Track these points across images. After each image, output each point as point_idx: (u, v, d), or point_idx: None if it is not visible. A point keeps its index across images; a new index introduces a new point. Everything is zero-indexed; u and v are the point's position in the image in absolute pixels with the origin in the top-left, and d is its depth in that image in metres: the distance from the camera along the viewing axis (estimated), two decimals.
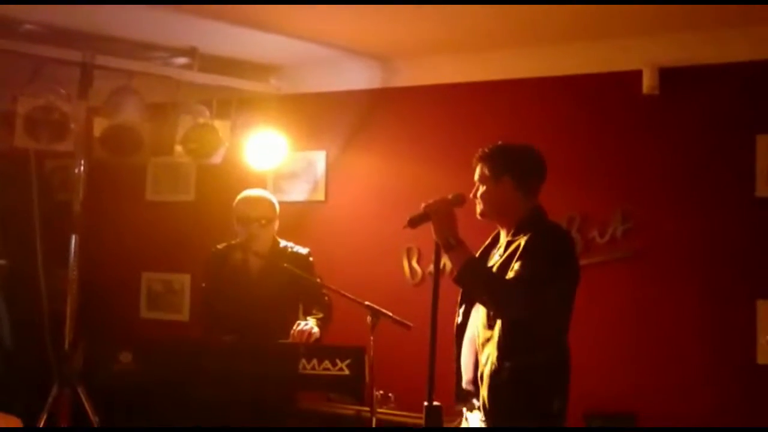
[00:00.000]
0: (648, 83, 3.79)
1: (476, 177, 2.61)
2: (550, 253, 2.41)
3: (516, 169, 2.56)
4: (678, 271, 3.78)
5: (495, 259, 2.53)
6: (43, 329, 4.02)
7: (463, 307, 2.61)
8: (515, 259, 2.40)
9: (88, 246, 4.06)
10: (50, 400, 3.57)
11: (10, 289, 4.65)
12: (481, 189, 2.57)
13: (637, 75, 3.82)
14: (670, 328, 3.78)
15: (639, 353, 3.82)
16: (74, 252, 3.91)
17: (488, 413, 2.41)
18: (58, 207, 4.50)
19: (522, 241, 2.43)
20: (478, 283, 2.45)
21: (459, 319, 2.60)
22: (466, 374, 2.55)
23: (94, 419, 3.57)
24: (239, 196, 3.50)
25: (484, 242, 2.68)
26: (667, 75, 3.79)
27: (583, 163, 3.98)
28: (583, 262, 3.83)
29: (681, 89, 3.81)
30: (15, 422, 3.32)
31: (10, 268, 4.65)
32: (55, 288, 4.09)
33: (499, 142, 2.63)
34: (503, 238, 2.58)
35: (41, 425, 3.52)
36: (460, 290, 2.60)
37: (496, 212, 2.58)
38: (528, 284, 2.34)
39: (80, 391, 3.61)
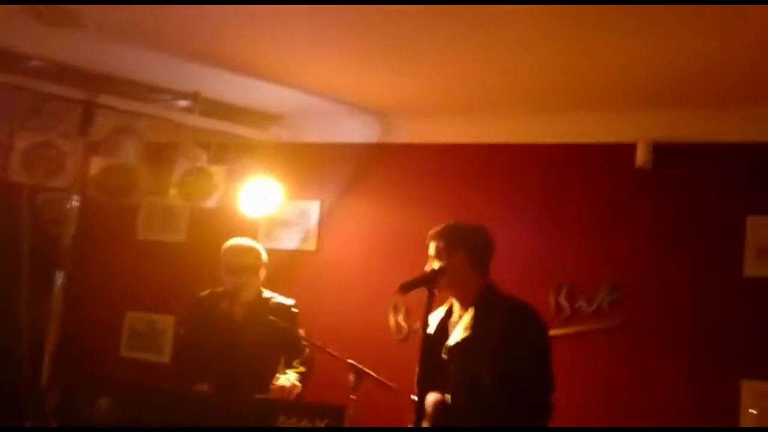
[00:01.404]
0: (642, 157, 3.84)
1: (431, 252, 2.74)
2: (545, 351, 2.64)
3: (469, 245, 2.74)
4: (664, 345, 3.78)
5: (458, 333, 2.67)
6: (21, 363, 3.97)
7: (420, 386, 2.61)
8: (508, 350, 2.55)
9: (74, 281, 4.04)
10: None
11: None
12: (436, 264, 2.69)
13: (631, 148, 3.88)
14: (653, 401, 3.75)
15: (621, 423, 3.78)
16: (59, 287, 3.89)
17: None
18: (48, 240, 4.49)
19: (499, 324, 2.59)
20: None
21: (416, 398, 2.61)
22: None
23: None
24: (227, 244, 3.49)
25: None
26: (661, 150, 3.85)
27: (573, 230, 4.01)
28: (569, 330, 3.87)
29: (674, 165, 3.86)
30: None
31: None
32: (36, 321, 4.06)
33: (451, 222, 2.79)
34: (458, 311, 2.74)
35: None
36: (418, 366, 2.62)
37: (452, 285, 2.72)
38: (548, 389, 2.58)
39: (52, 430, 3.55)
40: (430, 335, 2.65)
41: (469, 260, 2.70)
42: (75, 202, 3.95)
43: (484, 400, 2.56)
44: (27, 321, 4.14)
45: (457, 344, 2.67)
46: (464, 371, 2.63)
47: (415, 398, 2.54)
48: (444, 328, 2.76)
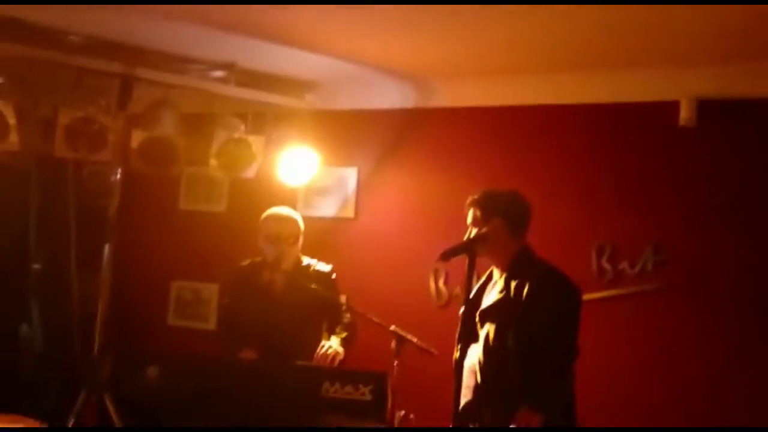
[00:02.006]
0: (685, 115, 3.74)
1: (469, 220, 2.83)
2: (572, 317, 2.69)
3: (506, 211, 2.82)
4: (709, 305, 3.72)
5: (493, 296, 2.78)
6: (73, 334, 4.10)
7: (461, 344, 2.67)
8: (532, 314, 2.63)
9: (120, 252, 4.12)
10: (78, 406, 3.63)
11: (43, 293, 4.74)
12: (474, 231, 2.78)
13: (674, 106, 3.78)
14: (698, 363, 3.71)
15: (666, 386, 3.76)
16: (107, 258, 3.98)
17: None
18: (93, 212, 4.59)
19: (528, 288, 2.67)
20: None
21: (457, 355, 2.67)
22: (465, 399, 2.70)
23: (119, 427, 3.61)
24: (266, 214, 3.52)
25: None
26: (705, 107, 3.75)
27: (615, 192, 3.94)
28: (612, 293, 3.83)
29: (718, 122, 3.76)
30: (41, 428, 3.38)
31: (43, 272, 4.74)
32: (86, 293, 4.17)
33: (487, 189, 2.87)
34: (497, 275, 2.84)
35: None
36: (459, 327, 2.69)
37: (488, 252, 2.79)
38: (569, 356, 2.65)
39: (107, 398, 3.66)
40: (469, 299, 2.70)
41: (505, 225, 2.77)
42: (118, 175, 4.00)
43: (508, 362, 2.64)
44: (78, 292, 4.25)
45: (488, 307, 2.77)
46: (492, 334, 2.72)
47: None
48: (481, 292, 2.87)
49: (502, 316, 2.71)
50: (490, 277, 2.91)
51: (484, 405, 2.71)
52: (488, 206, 2.80)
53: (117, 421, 3.56)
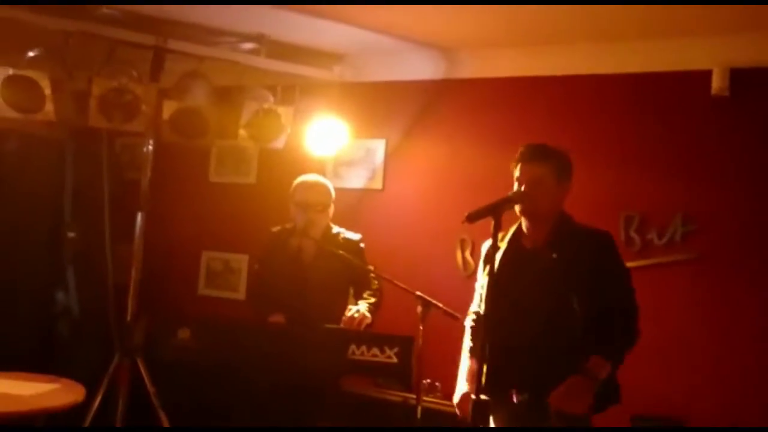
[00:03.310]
0: (717, 84, 3.69)
1: (518, 174, 2.66)
2: (629, 274, 2.67)
3: (571, 175, 2.72)
4: (738, 277, 3.69)
5: (537, 261, 2.63)
6: (107, 300, 4.20)
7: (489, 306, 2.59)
8: (600, 276, 2.56)
9: (152, 223, 4.20)
10: (111, 369, 3.73)
11: (78, 261, 4.87)
12: (540, 188, 2.62)
13: (706, 75, 3.73)
14: (726, 334, 3.69)
15: (693, 358, 3.75)
16: (140, 228, 4.06)
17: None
18: (126, 184, 4.69)
19: (586, 251, 2.59)
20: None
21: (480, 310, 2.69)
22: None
23: (152, 389, 3.72)
24: (297, 181, 3.57)
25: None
26: (738, 76, 3.69)
27: (644, 162, 3.91)
28: (639, 263, 3.81)
29: (752, 91, 3.70)
30: (80, 390, 3.49)
31: (78, 241, 4.86)
32: (120, 262, 4.26)
33: (543, 143, 2.72)
34: (531, 236, 2.70)
35: (102, 393, 3.68)
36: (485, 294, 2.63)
37: (544, 212, 2.67)
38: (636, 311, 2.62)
39: (140, 362, 3.77)
40: (502, 264, 2.59)
41: (558, 186, 2.66)
42: (150, 146, 4.07)
43: (574, 327, 2.53)
44: (112, 261, 4.35)
45: (540, 272, 2.61)
46: (548, 299, 2.59)
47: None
48: (518, 258, 2.69)
49: (556, 281, 2.58)
50: (517, 240, 2.74)
51: (539, 370, 2.56)
52: (563, 166, 2.67)
53: (149, 384, 3.66)
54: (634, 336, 2.58)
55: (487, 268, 2.71)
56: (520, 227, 2.76)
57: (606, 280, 2.56)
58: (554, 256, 2.60)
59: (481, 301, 2.80)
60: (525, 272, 2.66)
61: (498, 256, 2.64)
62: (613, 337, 2.53)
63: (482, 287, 2.76)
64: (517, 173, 2.68)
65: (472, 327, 2.87)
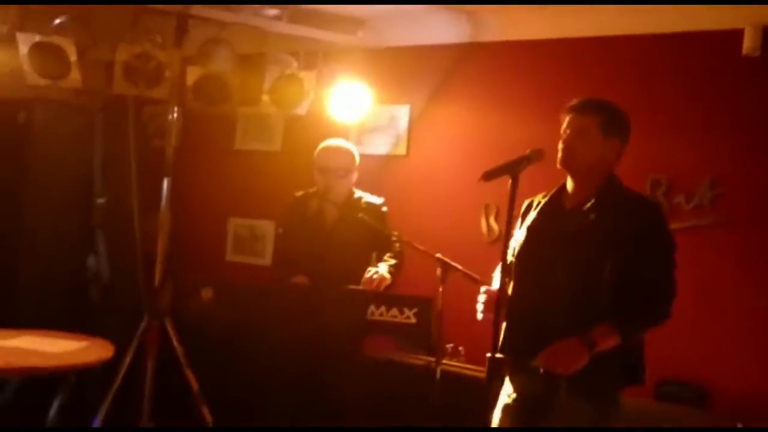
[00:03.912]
0: (749, 43, 3.58)
1: (574, 126, 2.48)
2: (673, 252, 2.44)
3: (624, 132, 2.53)
4: (767, 243, 3.61)
5: (575, 223, 2.45)
6: (136, 265, 4.28)
7: (518, 277, 2.54)
8: (638, 247, 2.35)
9: (179, 190, 4.25)
10: (140, 331, 3.82)
11: (107, 226, 4.96)
12: (584, 141, 2.46)
13: (737, 34, 3.62)
14: (754, 299, 3.63)
15: (719, 324, 3.70)
16: (166, 195, 4.11)
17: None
18: (154, 152, 4.73)
19: (631, 218, 2.39)
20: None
21: (508, 289, 2.50)
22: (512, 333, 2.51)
23: (180, 350, 3.80)
24: (321, 145, 3.58)
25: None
26: None
27: (672, 125, 3.83)
28: None
29: None
30: (109, 348, 3.58)
31: (108, 207, 4.96)
32: (147, 228, 4.33)
33: (600, 98, 2.55)
34: (573, 195, 2.51)
35: (131, 354, 3.78)
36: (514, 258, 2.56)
37: (590, 169, 2.48)
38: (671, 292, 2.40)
39: (167, 324, 3.84)
40: (536, 222, 2.51)
41: (604, 141, 2.47)
42: (175, 114, 4.10)
43: (598, 295, 2.35)
44: (139, 227, 4.42)
45: (576, 233, 2.43)
46: (580, 263, 2.40)
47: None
48: (555, 215, 2.52)
49: (591, 245, 2.38)
50: (557, 200, 2.56)
51: (559, 337, 2.34)
52: (613, 121, 2.50)
53: (176, 344, 3.74)
54: (658, 313, 2.37)
55: (523, 224, 2.61)
56: (564, 185, 2.57)
57: (644, 251, 2.35)
58: (592, 217, 2.41)
59: (513, 256, 2.61)
60: (558, 232, 2.48)
61: (532, 213, 2.58)
62: (630, 305, 2.33)
63: (516, 242, 2.60)
64: (564, 125, 2.53)
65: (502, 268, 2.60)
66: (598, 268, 2.36)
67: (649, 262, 2.36)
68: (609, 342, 2.31)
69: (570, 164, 2.50)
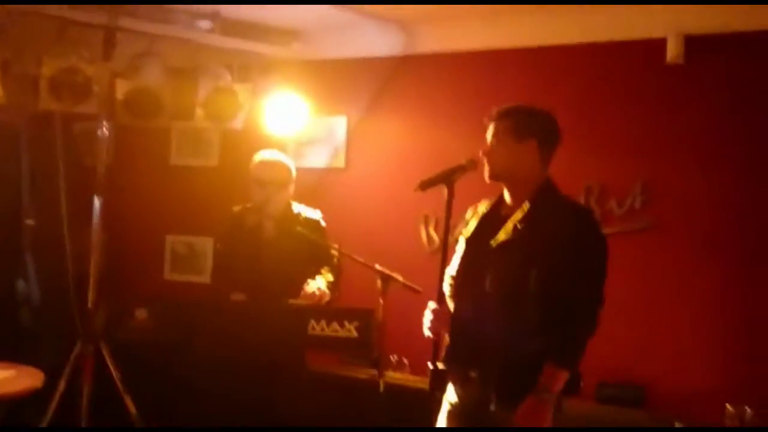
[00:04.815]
0: (672, 52, 3.70)
1: (491, 135, 2.48)
2: (602, 261, 2.39)
3: (542, 133, 2.48)
4: (697, 244, 3.73)
5: (506, 231, 2.43)
6: (68, 287, 4.14)
7: (456, 292, 2.55)
8: (565, 254, 2.32)
9: (113, 208, 4.14)
10: (74, 356, 3.68)
11: (37, 248, 4.78)
12: (499, 148, 2.46)
13: (660, 43, 3.74)
14: (686, 301, 3.74)
15: (654, 325, 3.79)
16: (98, 214, 3.99)
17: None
18: (85, 169, 4.60)
19: (558, 226, 2.36)
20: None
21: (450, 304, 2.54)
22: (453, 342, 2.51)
23: (116, 375, 3.68)
24: (256, 158, 3.53)
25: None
26: (693, 43, 3.70)
27: (602, 132, 3.93)
28: None
29: (707, 58, 3.71)
30: (38, 376, 3.44)
31: (37, 228, 4.78)
32: (80, 248, 4.20)
33: (520, 103, 2.54)
34: (509, 206, 2.51)
35: (65, 380, 3.64)
36: (452, 271, 2.57)
37: (511, 175, 2.47)
38: (598, 302, 2.36)
39: (103, 347, 3.72)
40: (475, 232, 2.49)
41: (539, 150, 2.45)
42: (105, 130, 3.99)
43: (525, 305, 2.33)
44: (71, 248, 4.28)
45: (504, 242, 2.41)
46: (507, 272, 2.38)
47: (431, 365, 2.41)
48: (490, 225, 2.49)
49: (520, 253, 2.36)
50: (496, 209, 2.55)
51: (489, 350, 2.38)
52: (524, 123, 2.45)
53: (113, 368, 3.62)
54: (588, 328, 2.35)
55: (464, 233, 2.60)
56: (503, 194, 2.57)
57: (571, 260, 2.31)
58: (521, 226, 2.39)
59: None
60: (490, 242, 2.46)
61: (472, 222, 2.57)
62: (560, 334, 2.30)
63: (457, 252, 2.60)
64: (489, 135, 2.52)
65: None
66: (524, 277, 2.34)
67: (576, 272, 2.32)
68: (560, 380, 2.31)
69: (492, 173, 2.49)
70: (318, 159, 4.66)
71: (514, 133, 2.45)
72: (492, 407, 2.37)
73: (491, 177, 2.50)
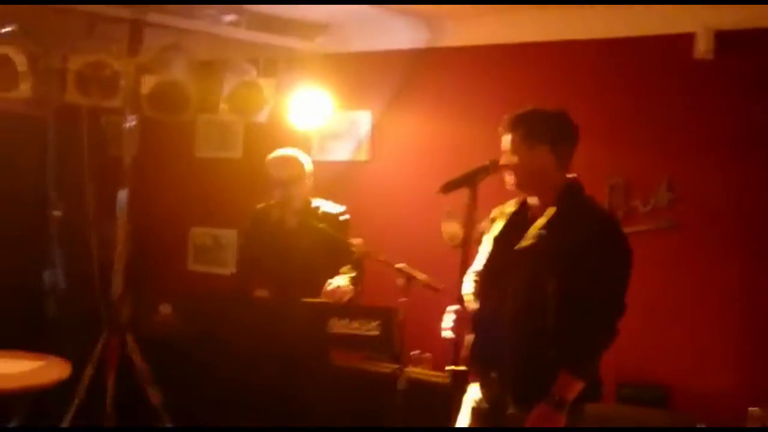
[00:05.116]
0: (701, 47, 3.63)
1: (508, 147, 2.46)
2: (625, 272, 2.37)
3: (553, 136, 2.44)
4: (723, 244, 3.67)
5: (530, 234, 2.41)
6: (93, 278, 4.19)
7: (481, 292, 2.55)
8: (584, 260, 2.29)
9: (138, 200, 4.18)
10: (99, 347, 3.74)
11: (63, 239, 4.85)
12: (513, 158, 2.43)
13: (689, 38, 3.67)
14: (709, 301, 3.69)
15: (677, 325, 3.75)
16: (123, 205, 4.04)
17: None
18: (111, 162, 4.65)
19: (579, 231, 2.33)
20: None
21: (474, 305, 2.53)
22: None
23: (142, 366, 3.72)
24: (269, 157, 3.55)
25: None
26: (723, 39, 3.63)
27: (629, 128, 3.88)
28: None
29: (736, 54, 3.64)
30: (66, 367, 3.49)
31: (63, 219, 4.84)
32: (105, 239, 4.25)
33: (530, 107, 2.50)
34: (536, 204, 2.48)
35: (91, 371, 3.69)
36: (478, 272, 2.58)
37: (532, 183, 2.45)
38: (618, 313, 2.35)
39: (128, 339, 3.77)
40: (502, 232, 2.48)
41: (552, 154, 2.41)
42: (133, 122, 4.03)
43: (543, 313, 2.32)
44: (97, 239, 4.33)
45: (527, 248, 2.39)
46: (528, 278, 2.37)
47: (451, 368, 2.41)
48: (516, 227, 2.48)
49: (541, 257, 2.34)
50: (523, 210, 2.53)
51: (507, 353, 2.39)
52: (532, 129, 2.40)
53: (138, 359, 3.67)
54: (605, 338, 2.34)
55: (490, 232, 2.59)
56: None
57: (592, 268, 2.28)
58: (542, 232, 2.37)
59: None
60: (515, 245, 2.44)
61: (499, 222, 2.56)
62: (577, 343, 2.29)
63: (483, 251, 2.60)
64: (505, 144, 2.50)
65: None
66: (544, 285, 2.33)
67: (596, 282, 2.29)
68: (574, 389, 2.30)
69: (515, 183, 2.47)
70: (342, 152, 4.65)
71: (526, 142, 2.43)
72: (510, 409, 2.38)
73: (515, 187, 2.49)
